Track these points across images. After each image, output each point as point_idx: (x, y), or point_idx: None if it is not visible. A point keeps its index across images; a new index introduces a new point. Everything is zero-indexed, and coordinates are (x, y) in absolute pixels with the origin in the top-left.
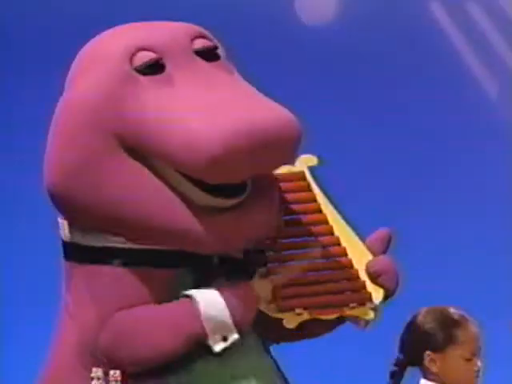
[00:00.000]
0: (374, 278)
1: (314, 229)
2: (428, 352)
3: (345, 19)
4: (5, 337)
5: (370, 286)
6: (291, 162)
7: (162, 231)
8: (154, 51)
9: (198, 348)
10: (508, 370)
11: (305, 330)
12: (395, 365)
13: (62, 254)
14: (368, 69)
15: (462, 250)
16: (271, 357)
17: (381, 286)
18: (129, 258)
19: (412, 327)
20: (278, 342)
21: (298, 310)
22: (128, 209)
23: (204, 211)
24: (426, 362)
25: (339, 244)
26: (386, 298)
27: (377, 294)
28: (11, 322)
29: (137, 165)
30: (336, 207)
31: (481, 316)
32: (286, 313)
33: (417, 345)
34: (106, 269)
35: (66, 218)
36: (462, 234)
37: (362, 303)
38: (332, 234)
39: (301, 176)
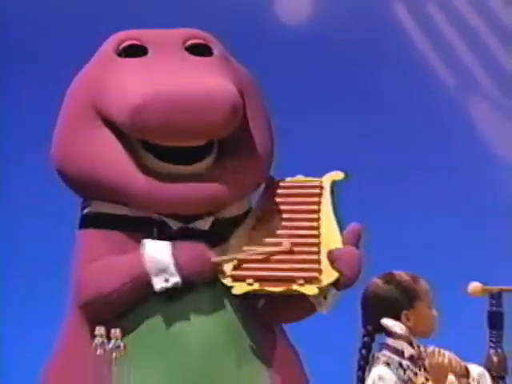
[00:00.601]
0: (332, 262)
1: (301, 224)
2: (405, 312)
3: (319, 19)
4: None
5: (326, 270)
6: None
7: (120, 192)
8: (139, 41)
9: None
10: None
11: (282, 314)
12: (366, 336)
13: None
14: (340, 64)
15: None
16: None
17: (336, 269)
18: (104, 223)
19: (374, 299)
20: (265, 322)
21: (248, 281)
22: (91, 171)
23: (156, 177)
24: (403, 320)
25: (317, 234)
26: (343, 285)
27: (328, 277)
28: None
29: (106, 133)
30: (336, 212)
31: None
32: (238, 282)
33: (388, 311)
34: (87, 232)
35: (71, 189)
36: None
37: (309, 281)
38: (316, 228)
39: (317, 185)
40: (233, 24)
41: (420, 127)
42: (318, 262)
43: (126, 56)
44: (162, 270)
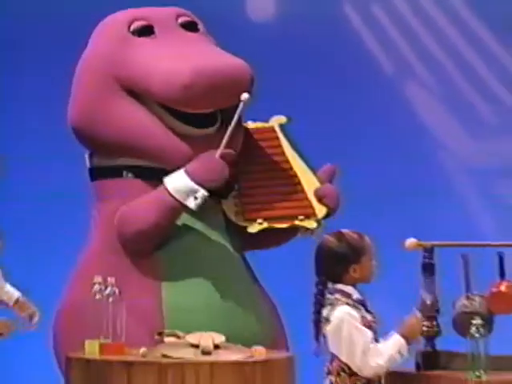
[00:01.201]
0: (320, 199)
1: (277, 166)
2: (353, 266)
3: (282, 17)
4: None
5: (316, 206)
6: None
7: (150, 151)
8: (146, 21)
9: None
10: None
11: (268, 240)
12: (319, 284)
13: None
14: (299, 56)
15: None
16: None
17: (324, 205)
18: (131, 172)
19: (329, 253)
20: (253, 249)
21: (259, 220)
22: (124, 134)
23: (179, 137)
24: (351, 272)
25: (295, 175)
26: (328, 214)
27: (320, 211)
28: None
29: (132, 101)
30: (298, 153)
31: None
32: (250, 222)
33: (340, 265)
34: (113, 181)
35: (87, 148)
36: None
37: (308, 217)
38: (291, 169)
39: (271, 129)
40: (209, 21)
41: (364, 109)
42: (307, 199)
43: (138, 34)
44: (188, 193)
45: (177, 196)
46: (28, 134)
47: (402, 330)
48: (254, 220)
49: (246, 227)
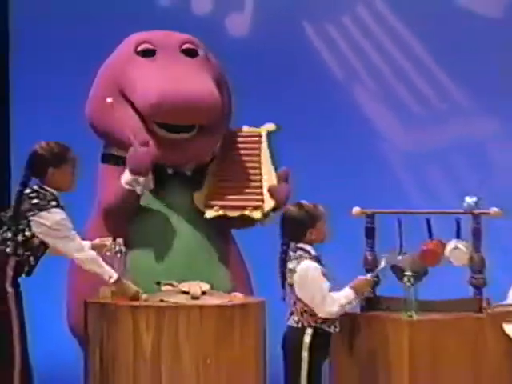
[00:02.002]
0: (271, 194)
1: (247, 165)
2: (310, 229)
3: (255, 34)
4: None
5: (266, 200)
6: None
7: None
8: (151, 44)
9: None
10: None
11: (237, 224)
12: (284, 244)
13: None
14: (268, 66)
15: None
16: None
17: (273, 199)
18: (119, 162)
19: (291, 219)
20: (228, 229)
21: (215, 208)
22: (123, 134)
23: (164, 141)
24: (308, 234)
25: (259, 175)
26: (275, 208)
27: (268, 205)
28: None
29: (127, 108)
30: (272, 157)
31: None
32: (209, 209)
33: (300, 228)
34: (109, 166)
35: (100, 138)
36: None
37: (256, 208)
38: (258, 169)
39: (258, 135)
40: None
41: (319, 107)
42: (262, 194)
43: (142, 55)
44: (133, 182)
45: (125, 185)
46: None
47: (354, 285)
48: (212, 207)
49: (204, 212)
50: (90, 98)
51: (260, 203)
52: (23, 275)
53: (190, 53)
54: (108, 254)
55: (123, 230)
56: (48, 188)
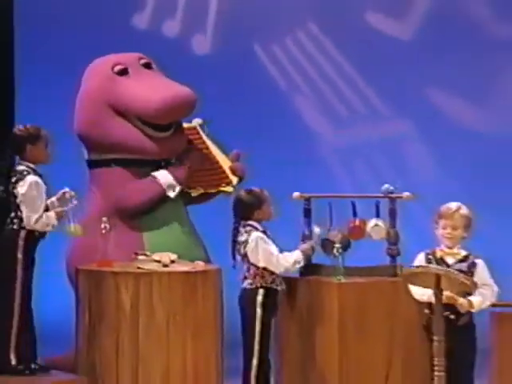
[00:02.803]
0: (233, 172)
1: (204, 155)
2: (257, 210)
3: (216, 52)
4: None
5: (231, 177)
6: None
7: (133, 149)
8: (123, 65)
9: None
10: None
11: (201, 199)
12: (236, 222)
13: (87, 166)
14: (226, 81)
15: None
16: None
17: (237, 176)
18: (116, 163)
19: (241, 202)
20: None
21: (198, 188)
22: (114, 138)
23: (152, 139)
24: (256, 214)
25: (215, 159)
26: (239, 182)
27: (234, 180)
28: None
29: (120, 119)
30: (214, 143)
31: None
32: (192, 189)
33: (249, 209)
34: (105, 169)
35: (86, 147)
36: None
37: (228, 184)
38: (211, 155)
39: (194, 128)
40: (162, 54)
41: (268, 112)
42: (225, 172)
43: (120, 74)
44: (171, 186)
45: (165, 188)
46: None
47: (301, 249)
48: (195, 188)
49: (190, 193)
50: (78, 111)
51: (229, 180)
52: (38, 241)
53: (147, 65)
54: (104, 232)
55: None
56: (28, 163)
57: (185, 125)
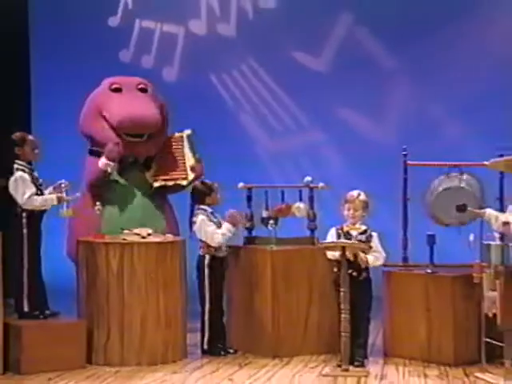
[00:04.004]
0: (192, 170)
1: (175, 154)
2: (207, 197)
3: (182, 79)
4: None
5: (189, 174)
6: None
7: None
8: (119, 85)
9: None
10: None
11: (170, 190)
12: (191, 206)
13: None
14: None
15: None
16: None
17: (193, 173)
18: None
19: (196, 190)
20: (165, 194)
21: (159, 181)
22: (102, 138)
23: (128, 142)
24: (206, 200)
25: (183, 159)
26: (195, 178)
27: (191, 176)
28: None
29: (105, 124)
30: (191, 149)
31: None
32: (156, 182)
33: (201, 196)
34: (94, 158)
35: (87, 140)
36: None
37: (184, 179)
38: (182, 156)
39: (180, 137)
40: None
41: (221, 128)
42: (186, 171)
43: (113, 91)
44: (107, 164)
45: (102, 166)
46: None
47: (227, 220)
48: (157, 180)
49: (152, 184)
50: (83, 117)
51: (186, 176)
52: (39, 217)
53: (143, 90)
54: (98, 213)
55: (101, 196)
56: (20, 162)
57: (177, 133)
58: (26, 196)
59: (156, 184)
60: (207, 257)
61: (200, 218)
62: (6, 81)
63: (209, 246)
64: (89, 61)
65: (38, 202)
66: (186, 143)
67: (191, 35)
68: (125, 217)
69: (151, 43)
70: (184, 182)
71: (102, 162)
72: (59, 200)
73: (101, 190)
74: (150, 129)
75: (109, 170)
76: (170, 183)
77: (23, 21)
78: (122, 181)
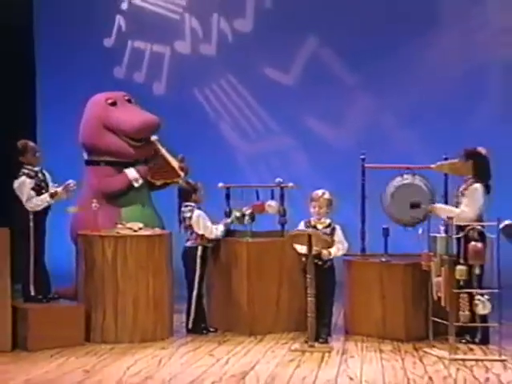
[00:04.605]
0: (181, 170)
1: (160, 159)
2: (193, 195)
3: (168, 93)
4: None
5: (180, 173)
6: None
7: (118, 153)
8: (113, 99)
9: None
10: None
11: (163, 187)
12: (179, 203)
13: (85, 164)
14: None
15: None
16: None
17: (183, 172)
18: (105, 163)
19: (183, 189)
20: (155, 190)
21: (159, 180)
22: (106, 148)
23: (131, 146)
24: (193, 197)
25: (168, 161)
26: (185, 175)
27: (182, 174)
28: None
29: (110, 135)
30: (167, 149)
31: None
32: (156, 180)
33: (187, 194)
34: (94, 167)
35: (85, 151)
36: None
37: (178, 177)
38: (166, 159)
39: (153, 143)
40: (134, 94)
41: (203, 135)
42: (175, 170)
43: (111, 105)
44: (135, 179)
45: (131, 180)
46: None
47: (224, 223)
48: (158, 180)
49: (154, 182)
50: (85, 130)
51: (179, 174)
52: (44, 214)
53: (129, 100)
54: (95, 210)
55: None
56: (26, 166)
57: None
58: (24, 199)
59: (158, 183)
60: (200, 248)
61: (197, 213)
62: (15, 93)
63: (202, 238)
64: (87, 76)
65: (33, 204)
66: (160, 147)
67: (177, 54)
68: (133, 215)
69: (142, 61)
70: (179, 180)
71: (134, 176)
72: (52, 196)
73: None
74: (157, 130)
75: (136, 184)
76: (169, 181)
77: (30, 40)
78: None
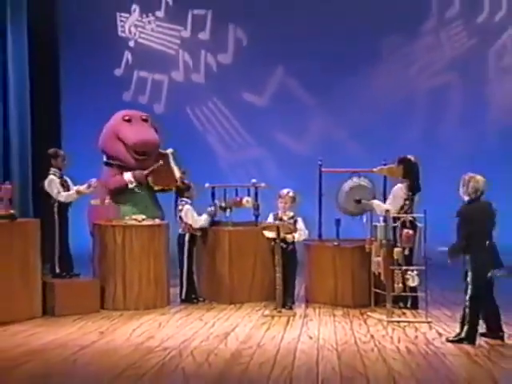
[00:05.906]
0: (180, 180)
1: (165, 167)
2: (186, 192)
3: (166, 112)
4: None
5: (179, 182)
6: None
7: (123, 161)
8: (129, 117)
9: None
10: None
11: (164, 190)
12: (176, 199)
13: (104, 164)
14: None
15: None
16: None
17: (180, 182)
18: (116, 166)
19: (180, 187)
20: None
21: (158, 185)
22: (115, 155)
23: (133, 158)
24: (186, 194)
25: (172, 170)
26: (182, 184)
27: (179, 184)
28: None
29: (121, 145)
30: (175, 162)
31: None
32: (156, 185)
33: (183, 192)
34: (109, 168)
35: (104, 155)
36: None
37: (176, 182)
38: (170, 168)
39: (166, 154)
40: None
41: (193, 146)
42: (176, 180)
43: (126, 121)
44: (130, 181)
45: (127, 180)
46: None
47: (207, 213)
48: (158, 185)
49: (154, 188)
50: (103, 138)
51: (175, 184)
52: (67, 206)
53: (145, 120)
54: (107, 204)
55: (118, 196)
56: (55, 169)
57: (162, 150)
58: (55, 192)
59: (156, 188)
60: (187, 235)
61: (186, 207)
62: (44, 113)
63: (190, 228)
64: (102, 99)
65: (63, 197)
66: (171, 159)
67: (173, 81)
68: (135, 208)
69: (145, 87)
70: (175, 189)
71: (129, 179)
72: (78, 192)
73: (119, 193)
74: (153, 148)
75: (130, 186)
76: (168, 187)
77: (56, 68)
78: (132, 185)
